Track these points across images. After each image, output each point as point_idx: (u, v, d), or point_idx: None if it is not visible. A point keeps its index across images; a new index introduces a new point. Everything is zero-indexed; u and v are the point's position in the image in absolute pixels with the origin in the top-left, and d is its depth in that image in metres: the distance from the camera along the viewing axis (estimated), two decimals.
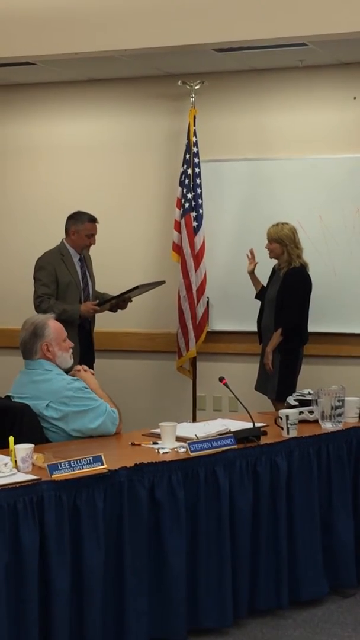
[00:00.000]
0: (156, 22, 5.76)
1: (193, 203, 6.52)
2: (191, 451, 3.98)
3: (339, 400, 4.51)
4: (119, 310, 6.28)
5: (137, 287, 6.08)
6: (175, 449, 4.07)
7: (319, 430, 4.44)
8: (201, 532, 3.96)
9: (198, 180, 6.53)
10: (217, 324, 6.79)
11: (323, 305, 6.35)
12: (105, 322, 6.41)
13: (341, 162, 6.49)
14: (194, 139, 6.52)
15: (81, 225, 6.08)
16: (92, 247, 6.21)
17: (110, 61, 6.26)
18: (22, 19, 6.00)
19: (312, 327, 6.16)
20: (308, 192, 6.54)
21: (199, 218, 6.53)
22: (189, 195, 6.52)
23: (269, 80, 6.65)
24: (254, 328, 6.29)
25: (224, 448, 4.06)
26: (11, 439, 3.76)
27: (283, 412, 4.39)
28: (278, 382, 5.99)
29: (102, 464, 3.73)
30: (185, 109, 6.64)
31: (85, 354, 6.01)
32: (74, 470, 3.65)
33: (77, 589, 3.59)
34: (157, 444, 4.17)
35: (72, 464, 3.66)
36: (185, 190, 6.54)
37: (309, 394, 4.73)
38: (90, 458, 3.72)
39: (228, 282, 6.72)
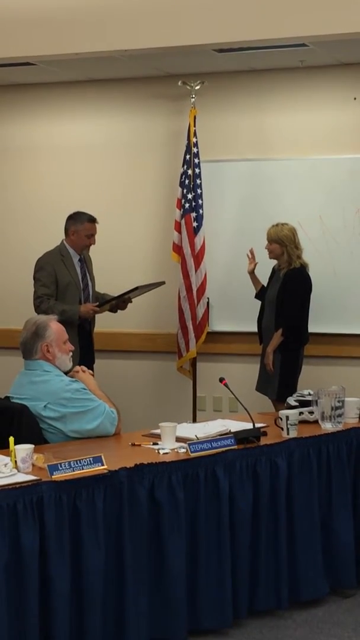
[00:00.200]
0: (156, 22, 5.76)
1: (193, 203, 6.53)
2: (191, 452, 3.98)
3: (339, 401, 4.50)
4: (119, 311, 6.28)
5: (136, 288, 6.08)
6: (175, 450, 4.07)
7: (319, 431, 4.44)
8: (201, 532, 3.96)
9: (198, 181, 6.53)
10: (217, 325, 6.79)
11: (323, 305, 6.36)
12: (105, 323, 6.41)
13: (341, 163, 6.49)
14: (194, 140, 6.52)
15: (80, 226, 6.08)
16: (92, 248, 6.21)
17: (110, 61, 6.26)
18: (22, 20, 6.00)
19: (312, 328, 6.16)
20: (308, 192, 6.54)
21: (199, 218, 6.53)
22: (189, 196, 6.52)
23: (269, 81, 6.65)
24: (254, 328, 6.29)
25: (224, 449, 4.06)
26: (11, 439, 3.76)
27: (283, 412, 4.39)
28: (279, 383, 5.99)
29: (102, 465, 3.73)
30: (185, 109, 6.64)
31: (85, 354, 6.01)
32: (74, 471, 3.65)
33: (77, 589, 3.59)
34: (157, 444, 4.17)
35: (72, 464, 3.66)
36: (185, 190, 6.54)
37: (309, 394, 4.73)
38: (91, 458, 3.72)
39: (228, 282, 6.72)
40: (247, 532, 4.07)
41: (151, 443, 4.20)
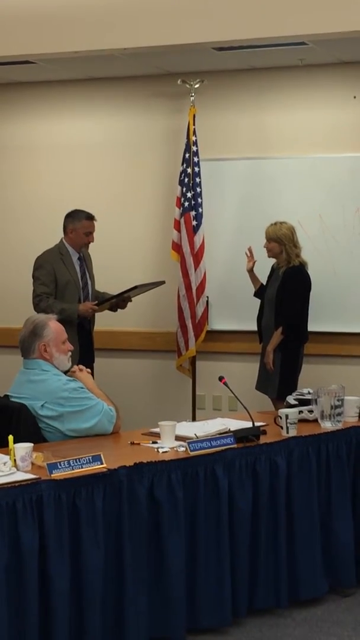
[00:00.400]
0: (156, 20, 5.75)
1: (193, 202, 6.52)
2: (190, 450, 3.98)
3: (338, 400, 4.50)
4: (118, 310, 6.28)
5: (135, 287, 6.08)
6: (175, 448, 4.07)
7: (318, 430, 4.44)
8: (200, 531, 3.95)
9: (198, 179, 6.53)
10: (217, 323, 6.79)
11: (323, 304, 6.35)
12: (104, 321, 6.41)
13: (341, 161, 6.49)
14: (193, 138, 6.52)
15: (78, 223, 6.08)
16: (91, 246, 6.21)
17: (110, 60, 6.26)
18: (21, 18, 5.99)
19: (311, 327, 6.16)
20: (308, 191, 6.53)
21: (198, 217, 6.53)
22: (189, 194, 6.51)
23: (269, 79, 6.65)
24: (254, 327, 6.29)
25: (223, 447, 4.06)
26: (10, 438, 3.76)
27: (282, 411, 4.39)
28: (279, 381, 5.99)
29: (102, 463, 3.73)
30: (184, 107, 6.63)
31: (85, 353, 6.00)
32: (73, 470, 3.65)
33: (77, 588, 3.59)
34: (156, 443, 4.16)
35: (71, 463, 3.66)
36: (184, 189, 6.53)
37: (309, 393, 4.73)
38: (90, 457, 3.71)
39: (228, 281, 6.71)
40: (247, 530, 4.07)
41: (150, 442, 4.20)
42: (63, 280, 6.02)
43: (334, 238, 6.49)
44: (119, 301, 6.17)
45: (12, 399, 4.37)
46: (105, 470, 3.70)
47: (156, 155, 6.93)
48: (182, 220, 6.54)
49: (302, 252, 6.11)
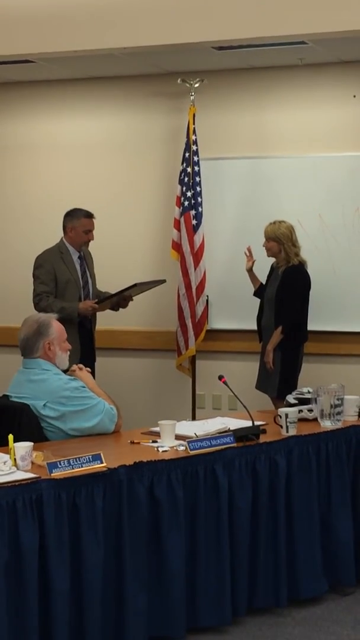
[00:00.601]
0: (156, 20, 5.75)
1: (192, 201, 6.52)
2: (190, 449, 3.98)
3: (338, 399, 4.51)
4: (115, 311, 6.28)
5: (135, 285, 6.07)
6: (175, 448, 4.07)
7: (318, 429, 4.44)
8: (200, 530, 3.96)
9: (197, 179, 6.53)
10: (217, 322, 6.79)
11: (323, 303, 6.35)
12: (104, 321, 6.41)
13: (341, 161, 6.49)
14: (193, 137, 6.52)
15: (77, 222, 6.08)
16: (91, 245, 6.21)
17: (109, 59, 6.26)
18: (21, 17, 5.99)
19: (311, 326, 6.16)
20: (308, 190, 6.53)
21: (198, 216, 6.53)
22: (189, 194, 6.52)
23: (269, 79, 6.65)
24: (254, 326, 6.29)
25: (223, 446, 4.06)
26: (10, 437, 3.76)
27: (282, 410, 4.39)
28: (279, 380, 5.99)
29: (102, 462, 3.73)
30: (184, 107, 6.63)
31: (87, 353, 6.01)
32: (73, 469, 3.65)
33: (77, 587, 3.59)
34: (156, 442, 4.17)
35: (71, 462, 3.66)
36: (184, 188, 6.53)
37: (308, 392, 4.73)
38: (90, 456, 3.71)
39: (227, 280, 6.71)
40: (246, 529, 4.08)
41: (150, 441, 4.20)
42: (63, 279, 6.02)
43: (334, 237, 6.50)
44: (119, 300, 6.17)
45: (13, 399, 4.37)
46: (105, 469, 3.70)
47: (156, 155, 6.93)
48: (182, 220, 6.54)
49: (302, 251, 6.11)
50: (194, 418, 6.28)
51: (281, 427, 4.35)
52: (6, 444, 3.78)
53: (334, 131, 6.54)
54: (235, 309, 6.71)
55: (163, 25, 5.75)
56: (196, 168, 6.52)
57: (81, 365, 4.63)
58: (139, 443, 4.20)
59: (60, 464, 3.64)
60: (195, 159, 6.52)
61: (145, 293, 6.40)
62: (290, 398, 4.76)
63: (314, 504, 4.29)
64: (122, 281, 6.22)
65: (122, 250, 6.95)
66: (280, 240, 6.04)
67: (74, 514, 3.59)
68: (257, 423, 4.35)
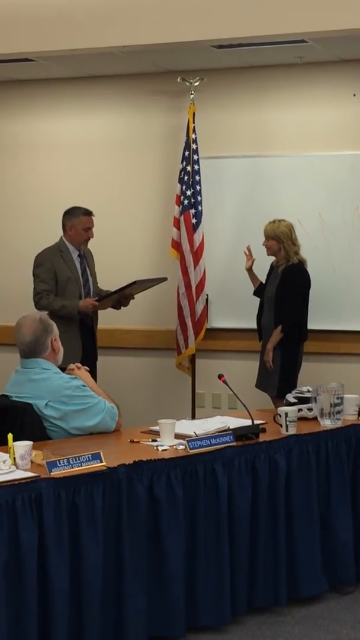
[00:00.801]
0: (155, 18, 5.75)
1: (192, 200, 6.52)
2: (190, 448, 3.98)
3: (338, 398, 4.50)
4: (116, 309, 6.28)
5: (135, 282, 6.06)
6: (174, 447, 4.07)
7: (318, 428, 4.44)
8: (200, 529, 3.95)
9: (197, 177, 6.52)
10: (216, 321, 6.79)
11: (322, 302, 6.35)
12: (104, 319, 6.41)
13: (341, 160, 6.49)
14: (193, 136, 6.52)
15: (76, 220, 6.08)
16: (90, 244, 6.21)
17: (109, 58, 6.26)
18: (20, 16, 5.99)
19: (311, 325, 6.16)
20: (307, 189, 6.53)
21: (198, 215, 6.53)
22: (188, 192, 6.51)
23: (268, 77, 6.64)
24: (253, 325, 6.29)
25: (222, 445, 4.06)
26: (10, 435, 3.75)
27: (282, 409, 4.39)
28: (279, 379, 5.99)
29: (101, 462, 3.72)
30: (184, 105, 6.63)
31: (88, 351, 6.02)
32: (72, 468, 3.64)
33: (76, 586, 3.58)
34: (155, 441, 4.16)
35: (70, 461, 3.65)
36: (184, 187, 6.53)
37: (308, 391, 4.73)
38: (89, 455, 3.71)
39: (227, 279, 6.71)
40: (246, 528, 4.07)
41: (150, 440, 4.20)
42: (63, 277, 6.03)
43: (334, 236, 6.49)
44: (121, 298, 6.16)
45: (14, 399, 4.35)
46: (104, 468, 3.70)
47: (156, 153, 6.93)
48: (181, 218, 6.54)
49: (302, 250, 6.11)
50: (193, 417, 6.28)
51: (281, 426, 4.35)
52: (6, 442, 3.78)
53: (333, 130, 6.54)
54: (235, 307, 6.71)
55: (163, 24, 5.74)
56: (196, 167, 6.52)
57: (79, 364, 4.62)
58: (138, 442, 4.19)
59: (59, 463, 3.63)
60: (195, 157, 6.52)
61: (145, 292, 6.39)
62: (290, 397, 4.76)
63: (313, 503, 4.29)
64: (122, 280, 6.22)
65: (121, 249, 6.95)
66: (280, 238, 6.03)
67: (74, 513, 3.59)
68: (256, 422, 4.35)
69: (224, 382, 4.49)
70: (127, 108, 7.00)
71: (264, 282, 6.27)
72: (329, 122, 6.55)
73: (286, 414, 4.34)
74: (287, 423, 4.33)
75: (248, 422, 4.31)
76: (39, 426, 4.26)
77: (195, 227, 6.53)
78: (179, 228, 6.56)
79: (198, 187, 6.52)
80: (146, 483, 3.78)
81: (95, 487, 3.64)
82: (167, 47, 5.90)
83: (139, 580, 3.75)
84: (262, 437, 4.24)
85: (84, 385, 4.38)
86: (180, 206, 6.55)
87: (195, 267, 6.54)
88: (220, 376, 4.52)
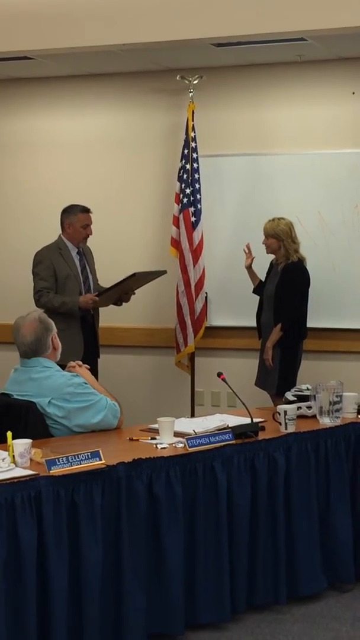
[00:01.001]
0: (155, 16, 5.75)
1: (191, 198, 6.52)
2: (189, 446, 3.98)
3: (337, 396, 4.50)
4: (118, 306, 6.28)
5: (134, 275, 6.04)
6: (173, 445, 4.07)
7: (317, 426, 4.44)
8: (199, 527, 3.95)
9: (196, 176, 6.52)
10: (216, 319, 6.79)
11: (322, 300, 6.35)
12: (103, 317, 6.40)
13: (340, 158, 6.49)
14: (192, 134, 6.51)
15: (74, 217, 6.08)
16: (89, 243, 6.20)
17: (108, 56, 6.25)
18: (20, 14, 5.99)
19: (310, 323, 6.16)
20: (307, 187, 6.53)
21: (197, 213, 6.53)
22: (188, 191, 6.51)
23: (268, 75, 6.64)
24: (253, 323, 6.29)
25: (222, 443, 4.06)
26: (9, 433, 3.75)
27: (281, 407, 4.39)
28: (278, 377, 5.99)
29: (100, 460, 3.72)
30: (183, 103, 6.63)
31: (90, 348, 6.02)
32: (71, 466, 3.64)
33: (75, 584, 3.59)
34: (155, 439, 4.16)
35: (70, 459, 3.65)
36: (183, 185, 6.53)
37: (307, 389, 4.73)
38: (88, 453, 3.71)
39: (227, 277, 6.71)
40: (245, 526, 4.07)
41: (149, 438, 4.20)
42: (63, 274, 6.03)
43: (333, 234, 6.49)
44: (121, 294, 6.16)
45: (15, 397, 4.35)
46: (103, 466, 3.70)
47: (155, 152, 6.93)
48: (180, 217, 6.54)
49: (301, 248, 6.11)
50: (192, 415, 6.28)
51: (280, 424, 4.35)
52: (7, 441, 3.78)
53: (333, 128, 6.54)
54: (234, 306, 6.71)
55: (162, 22, 5.74)
56: (195, 165, 6.52)
57: (79, 362, 4.62)
58: (137, 440, 4.20)
59: (58, 461, 3.63)
60: (194, 155, 6.52)
61: (145, 290, 6.39)
62: (289, 395, 4.76)
63: (312, 501, 4.29)
64: (120, 278, 6.21)
65: (121, 247, 6.95)
66: (280, 237, 6.03)
67: (73, 511, 3.59)
68: (255, 420, 4.35)
69: (223, 380, 4.49)
70: (126, 106, 7.00)
71: (263, 280, 6.27)
72: (328, 120, 6.55)
73: (285, 412, 4.34)
74: (287, 421, 4.33)
75: (247, 420, 4.31)
76: (42, 424, 4.26)
77: (194, 225, 6.53)
78: (178, 226, 6.56)
79: (197, 186, 6.52)
80: (145, 481, 3.79)
81: (95, 485, 3.64)
82: (167, 45, 5.90)
83: (139, 578, 3.75)
84: (262, 435, 4.24)
85: (85, 383, 4.38)
86: (180, 204, 6.55)
87: (194, 266, 6.54)
88: (219, 374, 4.52)
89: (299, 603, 4.27)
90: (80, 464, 3.67)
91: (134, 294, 6.24)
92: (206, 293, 6.62)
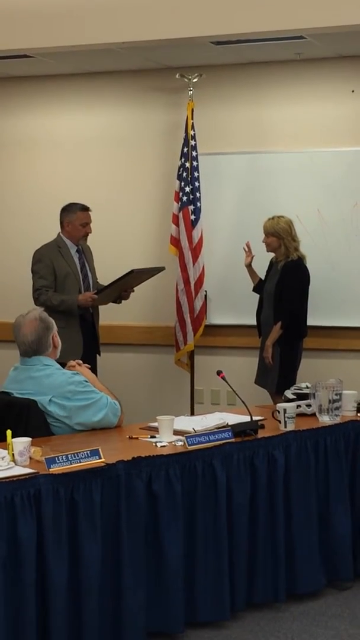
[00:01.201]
0: (154, 14, 5.74)
1: (191, 196, 6.52)
2: (189, 445, 3.98)
3: (336, 394, 4.51)
4: (117, 304, 6.28)
5: (132, 272, 6.03)
6: (173, 443, 4.07)
7: (316, 424, 4.45)
8: (199, 525, 3.96)
9: (196, 174, 6.52)
10: (215, 318, 6.79)
11: (321, 299, 6.35)
12: (103, 316, 6.41)
13: (339, 156, 6.49)
14: (192, 132, 6.52)
15: (74, 216, 6.08)
16: (89, 241, 6.20)
17: (108, 54, 6.25)
18: (19, 12, 5.98)
19: (310, 321, 6.15)
20: (306, 185, 6.53)
21: (196, 211, 6.53)
22: (187, 189, 6.51)
23: (267, 73, 6.64)
24: (252, 321, 6.29)
25: (221, 441, 4.06)
26: (8, 432, 3.76)
27: (281, 405, 4.39)
28: (278, 376, 5.99)
29: (100, 458, 3.73)
30: (183, 102, 6.63)
31: (89, 346, 6.02)
32: (71, 464, 3.65)
33: (75, 582, 3.59)
34: (154, 437, 4.17)
35: (69, 457, 3.66)
36: (183, 183, 6.53)
37: (307, 387, 4.73)
38: (88, 451, 3.71)
39: (226, 275, 6.71)
40: (245, 524, 4.08)
41: (149, 436, 4.21)
42: (62, 272, 6.03)
43: (333, 233, 6.49)
44: (121, 291, 6.16)
45: (16, 396, 4.35)
46: (103, 464, 3.70)
47: (154, 150, 6.92)
48: (180, 215, 6.54)
49: (301, 246, 6.11)
50: (192, 413, 6.28)
51: (279, 422, 4.35)
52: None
53: (332, 126, 6.54)
54: (234, 304, 6.71)
55: (161, 20, 5.74)
56: (194, 163, 6.52)
57: (79, 361, 4.62)
58: (137, 438, 4.20)
59: (58, 460, 3.64)
60: (194, 154, 6.52)
61: (144, 288, 6.39)
62: (289, 393, 4.76)
63: (312, 499, 4.29)
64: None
65: (120, 245, 6.94)
66: (280, 235, 6.03)
67: (72, 509, 3.59)
68: (255, 418, 4.35)
69: (223, 378, 4.49)
70: (125, 104, 7.00)
71: (263, 278, 6.27)
72: (328, 118, 6.55)
73: (285, 410, 4.34)
74: (286, 419, 4.33)
75: (247, 419, 4.31)
76: (44, 422, 4.26)
77: (194, 223, 6.53)
78: (177, 224, 6.56)
79: (197, 184, 6.52)
80: (145, 479, 3.79)
81: (94, 483, 3.64)
82: (166, 43, 5.89)
83: (138, 576, 3.76)
84: (261, 434, 4.24)
85: (86, 381, 4.38)
86: (179, 202, 6.55)
87: (194, 264, 6.54)
88: (219, 372, 4.53)
89: (298, 601, 4.28)
90: (80, 462, 3.67)
91: (133, 291, 6.24)
92: (206, 291, 6.62)
